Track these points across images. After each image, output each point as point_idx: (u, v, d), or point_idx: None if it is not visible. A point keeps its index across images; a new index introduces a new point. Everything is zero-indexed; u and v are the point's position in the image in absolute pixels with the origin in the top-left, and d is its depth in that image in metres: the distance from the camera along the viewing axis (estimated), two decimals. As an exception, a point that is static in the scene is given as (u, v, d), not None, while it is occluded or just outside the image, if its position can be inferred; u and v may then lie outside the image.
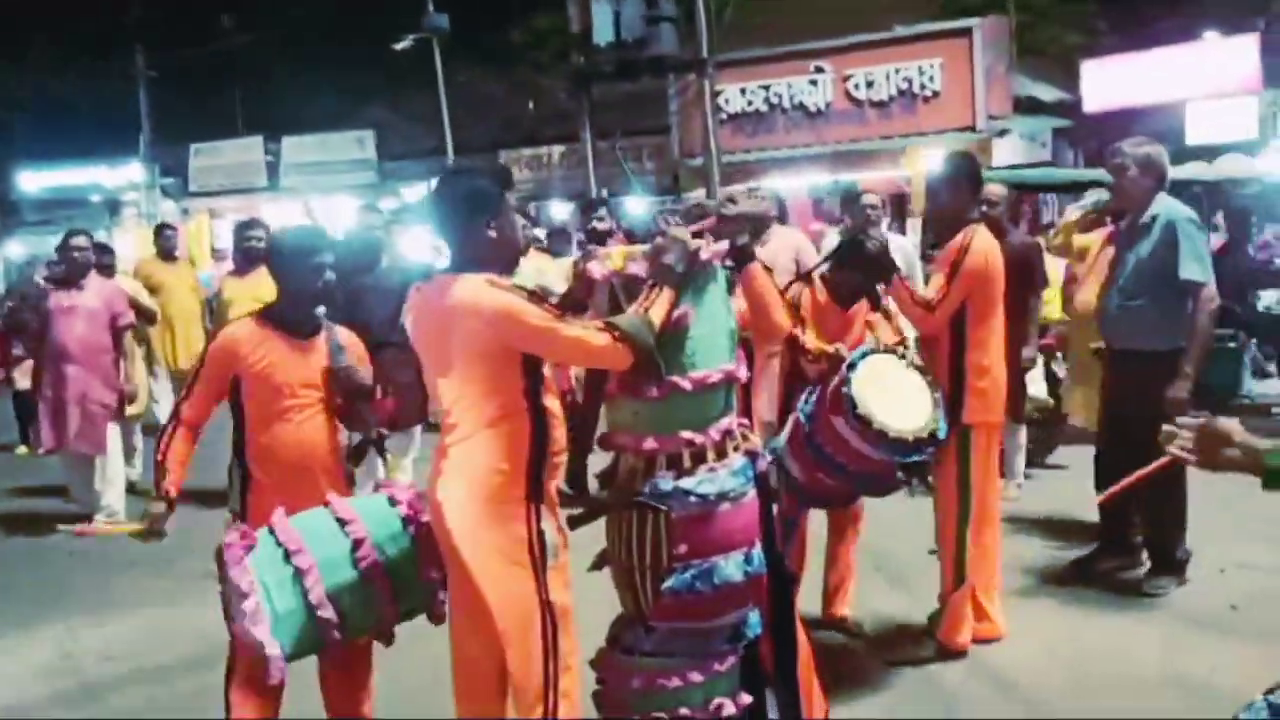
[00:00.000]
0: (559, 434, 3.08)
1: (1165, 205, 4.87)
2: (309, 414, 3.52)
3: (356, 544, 3.11)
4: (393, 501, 3.26)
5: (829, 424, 3.97)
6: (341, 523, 3.16)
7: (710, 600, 3.05)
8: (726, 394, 3.14)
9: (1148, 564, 5.17)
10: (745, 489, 3.14)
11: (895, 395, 3.96)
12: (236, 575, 2.98)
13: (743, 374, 3.20)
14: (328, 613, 3.03)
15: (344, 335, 3.71)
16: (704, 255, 3.12)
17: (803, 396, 4.22)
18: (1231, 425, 2.22)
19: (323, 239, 3.75)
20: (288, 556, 3.06)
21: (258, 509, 3.39)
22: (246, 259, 7.39)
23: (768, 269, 3.52)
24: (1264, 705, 2.38)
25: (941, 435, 4.00)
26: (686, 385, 3.04)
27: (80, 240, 7.31)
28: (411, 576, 3.18)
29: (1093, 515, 5.51)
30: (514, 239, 3.21)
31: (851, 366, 3.95)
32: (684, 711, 3.09)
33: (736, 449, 3.16)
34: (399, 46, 20.41)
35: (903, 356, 4.17)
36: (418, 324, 3.15)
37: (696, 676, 3.10)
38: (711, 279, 3.17)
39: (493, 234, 3.09)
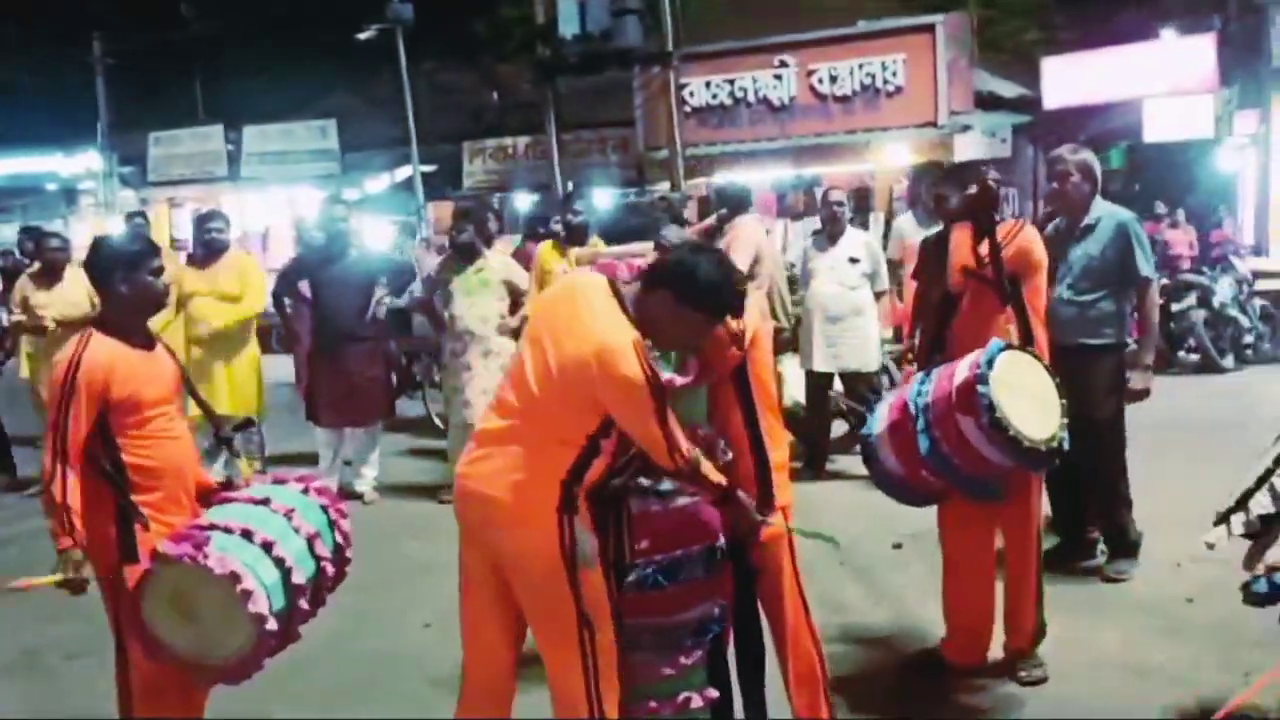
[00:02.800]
0: (599, 461, 3.00)
1: (1107, 208, 5.11)
2: (176, 424, 3.44)
3: (288, 514, 3.26)
4: (304, 489, 3.45)
5: (953, 421, 3.60)
6: (264, 502, 3.31)
7: (673, 595, 3.07)
8: (678, 398, 3.13)
9: (1103, 555, 5.31)
10: None
11: (1026, 398, 3.63)
12: (216, 564, 3.01)
13: (679, 380, 3.17)
14: (300, 578, 3.16)
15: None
16: (641, 265, 3.18)
17: (913, 383, 3.87)
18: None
19: (152, 244, 3.63)
20: (247, 536, 3.12)
21: (143, 531, 3.28)
22: (207, 251, 7.32)
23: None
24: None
25: (1066, 446, 3.68)
26: None
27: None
28: (333, 544, 3.38)
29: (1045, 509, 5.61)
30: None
31: (989, 363, 3.56)
32: (651, 704, 3.12)
33: (698, 446, 3.19)
34: (362, 36, 20.23)
35: (1036, 354, 3.89)
36: (556, 304, 3.11)
37: (664, 670, 3.13)
38: None
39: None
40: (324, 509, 3.43)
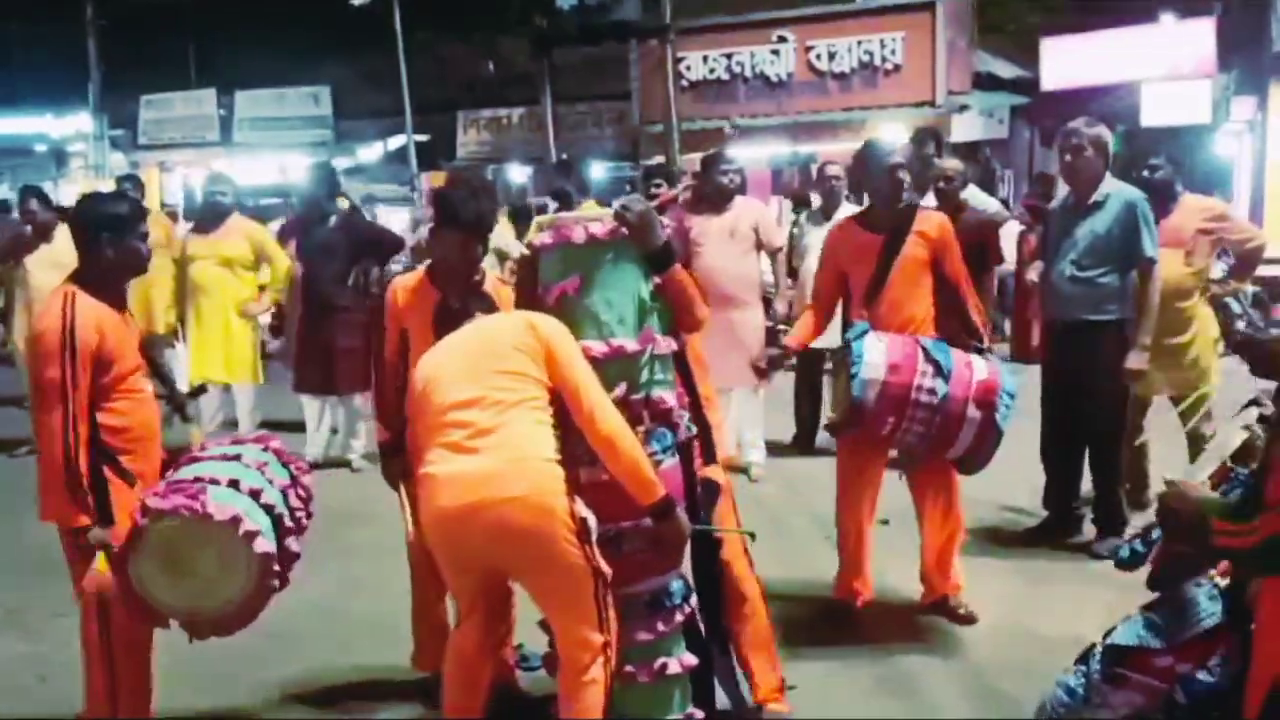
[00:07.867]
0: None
1: (1116, 186, 5.09)
2: (147, 387, 3.45)
3: (261, 468, 3.34)
4: (264, 448, 3.50)
5: (961, 405, 3.98)
6: (236, 458, 3.35)
7: (618, 566, 3.01)
8: (632, 364, 3.16)
9: (1090, 532, 5.36)
10: (661, 457, 3.13)
11: None
12: (217, 511, 3.06)
13: (631, 347, 3.16)
14: (287, 522, 3.28)
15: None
16: (596, 230, 3.17)
17: (930, 359, 4.02)
18: None
19: (141, 207, 3.61)
20: (234, 485, 3.18)
21: (121, 494, 3.26)
22: (212, 215, 7.28)
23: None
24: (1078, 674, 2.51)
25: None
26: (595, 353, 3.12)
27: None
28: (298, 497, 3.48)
29: (1035, 484, 5.63)
30: None
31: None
32: (628, 668, 3.12)
33: (654, 417, 3.18)
34: (357, 2, 20.06)
35: None
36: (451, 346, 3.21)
37: (642, 635, 3.14)
38: (610, 253, 3.17)
39: None
40: (285, 465, 3.49)
